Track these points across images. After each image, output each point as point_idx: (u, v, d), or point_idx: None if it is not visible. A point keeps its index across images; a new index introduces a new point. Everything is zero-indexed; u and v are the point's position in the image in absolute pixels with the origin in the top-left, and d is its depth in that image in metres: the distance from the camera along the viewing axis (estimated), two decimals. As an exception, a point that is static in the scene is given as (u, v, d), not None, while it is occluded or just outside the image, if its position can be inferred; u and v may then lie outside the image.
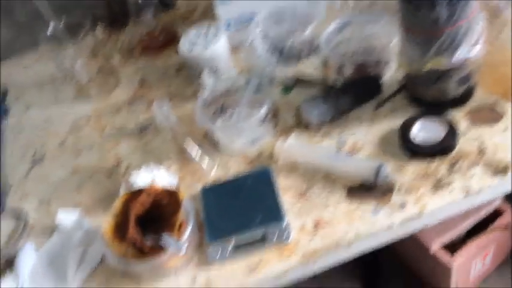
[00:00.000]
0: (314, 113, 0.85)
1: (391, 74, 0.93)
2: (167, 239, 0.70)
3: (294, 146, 0.82)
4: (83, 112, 1.09)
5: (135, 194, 0.76)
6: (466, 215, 1.22)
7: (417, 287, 1.45)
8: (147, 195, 0.75)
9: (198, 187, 0.84)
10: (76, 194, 0.91)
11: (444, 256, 1.24)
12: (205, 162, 0.88)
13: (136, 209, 0.74)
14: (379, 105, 0.89)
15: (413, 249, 1.39)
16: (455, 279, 1.28)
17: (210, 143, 0.91)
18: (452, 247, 1.25)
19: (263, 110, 0.84)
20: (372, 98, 0.90)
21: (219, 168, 0.88)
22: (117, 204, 0.76)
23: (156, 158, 0.93)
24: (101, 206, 0.87)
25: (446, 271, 1.26)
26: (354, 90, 0.88)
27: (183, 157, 0.90)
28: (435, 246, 1.25)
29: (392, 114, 0.87)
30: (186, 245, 0.69)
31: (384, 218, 0.73)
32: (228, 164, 0.88)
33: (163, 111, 0.78)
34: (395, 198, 0.74)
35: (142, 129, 1.01)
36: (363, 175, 0.77)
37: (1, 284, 0.78)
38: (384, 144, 0.82)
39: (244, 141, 0.88)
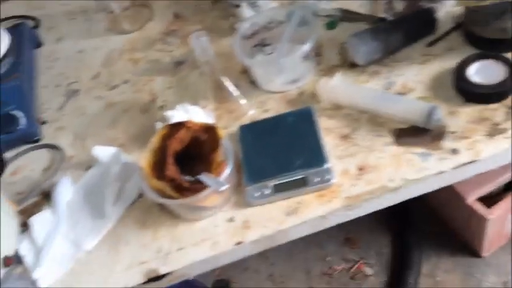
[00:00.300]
0: (361, 51, 0.79)
1: (447, 10, 0.85)
2: (207, 177, 0.68)
3: (339, 86, 0.77)
4: (116, 45, 1.06)
5: (173, 129, 0.73)
6: (504, 168, 1.17)
7: (448, 237, 1.44)
8: (186, 131, 0.72)
9: (235, 126, 0.81)
10: (111, 129, 0.89)
11: (480, 208, 1.20)
12: (243, 101, 0.84)
13: (175, 145, 0.72)
14: (432, 43, 0.82)
15: (447, 199, 1.36)
16: (489, 232, 1.26)
17: (248, 81, 0.87)
18: (488, 200, 1.22)
19: (306, 46, 0.78)
20: (425, 35, 0.83)
21: (257, 107, 0.84)
22: (155, 139, 0.73)
23: (192, 94, 0.90)
24: (136, 142, 0.86)
25: (481, 223, 1.23)
26: (405, 27, 0.82)
27: (219, 95, 0.86)
28: (472, 197, 1.21)
29: (446, 54, 0.80)
30: (227, 184, 0.67)
31: (434, 163, 0.68)
32: (267, 103, 0.84)
33: (201, 43, 0.74)
34: (447, 143, 0.70)
35: (178, 65, 0.97)
36: (412, 118, 0.72)
37: (39, 216, 0.79)
38: (436, 85, 0.77)
39: (284, 79, 0.84)
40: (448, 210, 1.43)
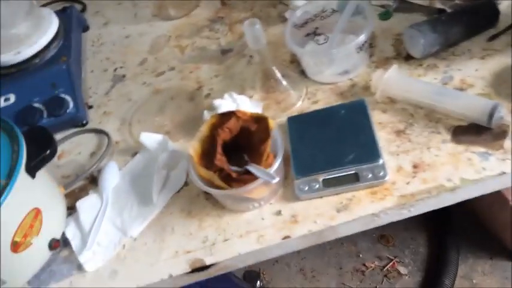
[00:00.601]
0: (420, 43, 0.75)
1: (508, 3, 0.81)
2: (256, 168, 0.66)
3: (395, 78, 0.74)
4: (163, 31, 1.05)
5: (223, 118, 0.72)
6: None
7: (487, 240, 1.39)
8: (235, 120, 0.71)
9: (282, 117, 0.79)
10: (158, 116, 0.89)
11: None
12: (292, 91, 0.82)
13: (224, 134, 0.71)
14: (494, 38, 0.78)
15: (489, 200, 1.31)
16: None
17: (296, 71, 0.85)
18: None
19: (362, 37, 0.75)
20: (485, 29, 0.79)
21: (306, 99, 0.82)
22: (204, 128, 0.72)
23: (238, 83, 0.89)
24: (182, 130, 0.85)
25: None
26: (466, 19, 0.78)
27: (267, 85, 0.84)
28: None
29: (508, 49, 0.76)
30: (278, 177, 0.65)
31: (494, 164, 0.65)
32: (316, 94, 0.82)
33: (254, 31, 0.72)
34: (509, 143, 0.66)
35: (224, 52, 0.95)
36: (473, 115, 0.68)
37: (85, 200, 0.79)
38: (497, 82, 0.73)
39: (335, 70, 0.81)
40: (489, 211, 1.38)
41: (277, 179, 0.64)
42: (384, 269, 1.49)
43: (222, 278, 1.20)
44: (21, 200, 0.66)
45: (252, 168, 0.67)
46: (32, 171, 0.68)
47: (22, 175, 0.66)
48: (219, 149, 0.70)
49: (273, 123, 0.70)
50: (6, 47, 0.93)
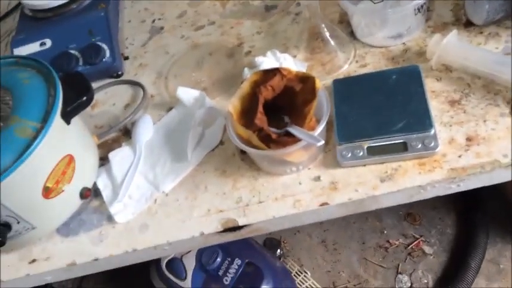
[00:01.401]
0: (484, 8, 0.69)
1: None
2: (299, 130, 0.63)
3: (454, 45, 0.69)
4: (204, -17, 1.00)
5: (266, 76, 0.68)
6: None
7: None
8: (279, 78, 0.67)
9: (327, 80, 0.75)
10: (195, 71, 0.86)
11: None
12: (339, 53, 0.78)
13: (267, 92, 0.67)
14: None
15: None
16: None
17: (346, 32, 0.80)
18: None
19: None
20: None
21: (354, 62, 0.77)
22: (246, 85, 0.69)
23: (281, 42, 0.84)
24: (220, 87, 0.82)
25: None
26: (537, -16, 0.71)
27: (313, 44, 0.79)
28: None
29: None
30: (323, 140, 0.62)
31: (558, 142, 0.60)
32: (365, 57, 0.77)
33: (306, -16, 0.68)
34: None
35: (268, 9, 0.91)
36: (538, 89, 0.63)
37: (118, 152, 0.78)
38: None
39: (388, 32, 0.76)
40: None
41: (322, 142, 0.61)
42: (408, 247, 1.46)
43: (243, 243, 1.19)
44: (55, 146, 0.64)
45: (294, 130, 0.64)
46: (67, 116, 0.66)
47: (57, 120, 0.64)
48: (260, 108, 0.67)
49: (319, 84, 0.66)
50: (44, -10, 0.90)
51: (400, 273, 1.41)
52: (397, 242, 1.48)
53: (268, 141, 0.64)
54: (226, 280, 1.13)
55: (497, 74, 0.66)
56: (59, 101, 0.64)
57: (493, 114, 0.65)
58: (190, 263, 1.13)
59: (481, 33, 0.73)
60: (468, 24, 0.74)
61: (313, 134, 0.62)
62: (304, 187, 0.66)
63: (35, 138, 0.61)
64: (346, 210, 0.65)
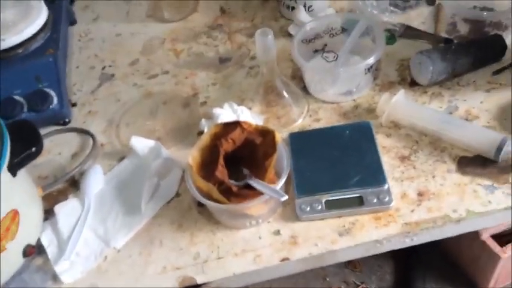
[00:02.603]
0: (428, 70, 0.75)
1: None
2: (261, 184, 0.63)
3: (402, 103, 0.73)
4: (157, 33, 1.01)
5: (227, 128, 0.68)
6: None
7: (453, 271, 1.40)
8: (240, 131, 0.67)
9: (282, 133, 0.76)
10: (148, 120, 0.84)
11: (495, 246, 1.18)
12: (294, 107, 0.80)
13: (227, 145, 0.67)
14: (499, 72, 0.78)
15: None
16: (498, 270, 1.23)
17: (298, 87, 0.82)
18: (499, 238, 1.19)
19: (371, 59, 0.74)
20: (491, 62, 0.79)
21: (307, 116, 0.79)
22: (205, 137, 0.68)
23: (236, 94, 0.86)
24: (175, 137, 0.81)
25: (493, 261, 1.21)
26: (473, 51, 0.78)
27: (268, 98, 0.81)
28: (487, 234, 1.18)
29: (513, 84, 0.77)
30: (286, 195, 0.62)
31: (500, 198, 0.65)
32: (319, 112, 0.80)
33: (266, 42, 0.69)
34: (515, 178, 0.66)
35: (223, 61, 0.92)
36: (480, 147, 0.68)
37: (65, 204, 0.73)
38: (503, 116, 0.73)
39: (339, 89, 0.79)
40: (457, 243, 1.39)
41: (286, 197, 0.61)
42: (351, 294, 1.48)
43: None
44: (0, 200, 0.59)
45: (256, 183, 0.64)
46: (14, 169, 0.62)
47: (4, 173, 0.59)
48: (221, 161, 0.66)
49: (279, 138, 0.67)
50: (-11, 32, 0.86)
51: (343, 320, 1.42)
52: (339, 289, 1.49)
53: (228, 194, 0.64)
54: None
55: (443, 132, 0.71)
56: (7, 153, 0.60)
57: (441, 170, 0.68)
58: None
59: (425, 92, 0.78)
60: (413, 84, 0.79)
61: (275, 187, 0.63)
62: (264, 241, 0.66)
63: (-22, 192, 0.56)
64: (306, 265, 0.65)
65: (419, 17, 0.90)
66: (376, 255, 1.53)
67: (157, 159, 0.74)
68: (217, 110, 0.77)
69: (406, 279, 1.44)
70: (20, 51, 0.87)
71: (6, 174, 0.60)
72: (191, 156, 0.67)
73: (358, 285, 1.49)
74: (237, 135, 0.68)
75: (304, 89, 0.83)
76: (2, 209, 0.60)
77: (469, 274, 1.37)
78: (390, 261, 1.52)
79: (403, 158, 0.71)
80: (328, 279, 1.52)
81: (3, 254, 0.62)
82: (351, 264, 1.53)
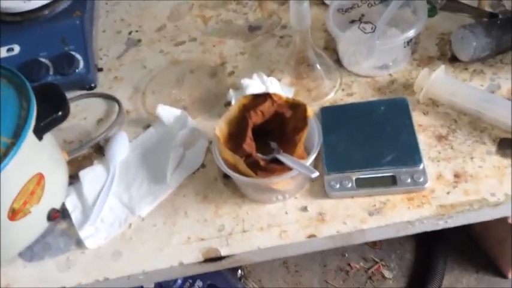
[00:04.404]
0: (471, 45, 0.71)
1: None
2: (290, 159, 0.61)
3: (441, 80, 0.70)
4: (184, -2, 0.97)
5: (256, 100, 0.66)
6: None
7: (475, 253, 1.38)
8: (270, 104, 0.65)
9: (313, 107, 0.73)
10: (175, 89, 0.82)
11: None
12: (326, 80, 0.77)
13: (256, 117, 0.65)
14: (546, 50, 0.74)
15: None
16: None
17: (331, 59, 0.79)
18: None
19: (412, 31, 0.70)
20: (538, 39, 0.74)
21: (340, 90, 0.76)
22: (234, 108, 0.66)
23: (265, 64, 0.83)
24: (201, 106, 0.79)
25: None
26: (520, 26, 0.73)
27: (299, 69, 0.78)
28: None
29: (560, 63, 0.72)
30: (317, 172, 0.60)
31: (543, 182, 0.61)
32: (352, 86, 0.76)
33: (301, 9, 0.66)
34: (559, 163, 0.62)
35: (252, 29, 0.89)
36: (523, 129, 0.64)
37: (90, 170, 0.72)
38: (548, 97, 0.69)
39: (375, 63, 0.76)
40: (483, 224, 1.36)
41: (317, 173, 0.59)
42: (369, 271, 1.47)
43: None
44: (26, 163, 0.59)
45: (286, 158, 0.62)
46: (40, 132, 0.61)
47: (30, 136, 0.58)
48: (249, 133, 0.64)
49: (311, 112, 0.64)
50: (15, -8, 0.84)
51: (361, 296, 1.41)
52: (357, 266, 1.48)
53: (256, 167, 0.62)
54: (187, 302, 1.09)
55: (484, 112, 0.67)
56: (33, 115, 0.59)
57: (480, 152, 0.65)
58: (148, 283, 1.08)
59: (466, 69, 0.74)
60: (453, 60, 0.75)
61: (305, 163, 0.60)
62: (290, 217, 0.64)
63: (5, 155, 0.55)
64: (334, 243, 0.63)
65: (463, -11, 0.85)
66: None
67: (183, 128, 0.73)
68: (245, 81, 0.74)
69: (427, 259, 1.43)
70: (46, 12, 0.86)
71: (32, 137, 0.59)
72: (218, 127, 0.65)
73: (377, 262, 1.48)
74: (266, 107, 0.65)
75: (337, 62, 0.79)
76: (28, 172, 0.60)
77: (493, 257, 1.34)
78: (411, 240, 1.50)
79: (440, 138, 0.68)
80: (346, 255, 1.51)
81: (28, 217, 0.61)
82: (371, 241, 1.52)
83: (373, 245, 1.51)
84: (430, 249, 1.43)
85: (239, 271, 1.51)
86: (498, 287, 1.33)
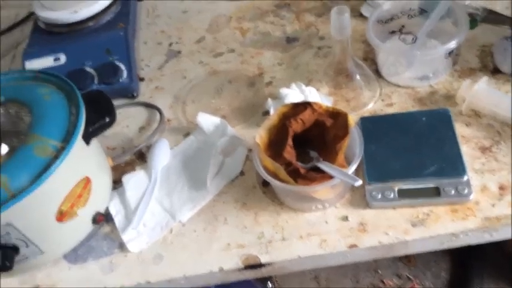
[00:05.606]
0: (513, 57, 0.70)
1: None
2: (332, 168, 0.61)
3: (484, 91, 0.69)
4: (223, 11, 0.99)
5: (296, 109, 0.66)
6: None
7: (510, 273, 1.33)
8: (310, 112, 0.65)
9: (353, 117, 0.74)
10: (214, 98, 0.84)
11: None
12: (365, 90, 0.77)
13: (296, 125, 0.65)
14: None
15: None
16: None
17: (371, 69, 0.79)
18: None
19: (453, 42, 0.70)
20: None
21: (379, 100, 0.76)
22: (274, 116, 0.67)
23: (303, 75, 0.83)
24: (240, 115, 0.80)
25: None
26: None
27: (337, 79, 0.78)
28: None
29: None
30: (360, 180, 0.60)
31: None
32: (392, 96, 0.76)
33: (342, 20, 0.67)
34: None
35: (290, 41, 0.90)
36: None
37: (132, 176, 0.74)
38: None
39: (415, 73, 0.76)
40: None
41: (360, 182, 0.59)
42: (402, 289, 1.44)
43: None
44: (74, 167, 0.61)
45: (327, 167, 0.62)
46: (88, 137, 0.63)
47: (79, 140, 0.60)
48: (290, 141, 0.65)
49: (352, 120, 0.64)
50: (63, 4, 0.88)
51: (392, 314, 1.38)
52: (391, 283, 1.46)
53: (296, 175, 0.62)
54: (216, 312, 1.08)
55: (529, 124, 0.66)
56: (82, 121, 0.61)
57: (524, 164, 0.64)
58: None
59: (509, 81, 0.73)
60: (495, 72, 0.74)
61: (347, 172, 0.60)
62: (330, 226, 0.64)
63: (55, 158, 0.57)
64: (375, 253, 0.63)
65: (503, 1, 0.84)
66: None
67: (222, 136, 0.74)
68: (284, 90, 0.75)
69: (463, 277, 1.39)
70: (91, 24, 0.89)
71: (80, 142, 0.61)
72: (258, 135, 0.66)
73: (411, 280, 1.44)
74: (306, 116, 0.66)
75: (376, 72, 0.79)
76: (76, 175, 0.62)
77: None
78: (447, 257, 1.46)
79: (484, 149, 0.67)
80: (380, 271, 1.48)
81: (74, 219, 0.63)
82: (405, 258, 1.49)
83: (407, 262, 1.48)
84: (466, 269, 1.39)
85: (269, 283, 1.50)
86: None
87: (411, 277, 1.45)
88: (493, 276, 1.37)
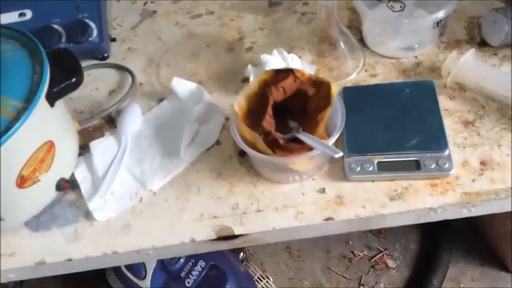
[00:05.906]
0: (503, 29, 0.68)
1: None
2: (312, 138, 0.58)
3: (471, 64, 0.67)
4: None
5: (277, 76, 0.63)
6: None
7: (480, 246, 1.36)
8: (292, 80, 0.62)
9: (335, 87, 0.71)
10: (190, 62, 0.79)
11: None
12: (348, 59, 0.74)
13: (277, 94, 0.62)
14: None
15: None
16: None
17: (355, 38, 0.76)
18: None
19: (442, 12, 0.67)
20: None
21: (363, 70, 0.74)
22: (254, 84, 0.64)
23: (285, 41, 0.80)
24: (219, 81, 0.76)
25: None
26: (555, 12, 0.70)
27: (320, 48, 0.75)
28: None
29: None
30: (341, 152, 0.57)
31: None
32: (376, 67, 0.74)
33: (329, -17, 0.63)
34: None
35: (273, 5, 0.86)
36: (555, 118, 0.62)
37: (101, 141, 0.70)
38: None
39: (401, 43, 0.73)
40: (490, 217, 1.34)
41: (340, 154, 0.57)
42: (372, 260, 1.45)
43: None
44: (37, 130, 0.56)
45: (307, 138, 0.59)
46: (52, 98, 0.59)
47: (42, 101, 0.56)
48: (269, 110, 0.62)
49: (335, 90, 0.61)
50: (28, -46, 0.81)
51: (363, 285, 1.40)
52: (361, 254, 1.47)
53: (274, 146, 0.60)
54: (189, 282, 1.07)
55: (513, 99, 0.64)
56: (46, 80, 0.56)
57: (507, 140, 0.63)
58: (150, 262, 1.06)
59: (496, 54, 0.71)
60: (482, 44, 0.72)
61: (328, 143, 0.58)
62: (307, 198, 0.62)
63: (16, 119, 0.53)
64: (351, 226, 0.61)
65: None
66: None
67: (198, 103, 0.70)
68: (265, 56, 0.72)
69: (431, 250, 1.41)
70: (60, -23, 0.83)
71: (44, 103, 0.57)
72: (237, 103, 0.63)
73: (381, 251, 1.46)
74: (288, 84, 0.62)
75: (361, 41, 0.76)
76: (38, 139, 0.57)
77: (499, 252, 1.33)
78: (416, 230, 1.48)
79: (466, 123, 0.65)
80: (350, 242, 1.49)
81: (36, 185, 0.59)
82: (375, 229, 1.50)
83: (378, 233, 1.50)
84: (435, 241, 1.41)
85: (241, 253, 1.50)
86: (502, 281, 1.32)
87: (381, 248, 1.47)
88: (461, 249, 1.40)
